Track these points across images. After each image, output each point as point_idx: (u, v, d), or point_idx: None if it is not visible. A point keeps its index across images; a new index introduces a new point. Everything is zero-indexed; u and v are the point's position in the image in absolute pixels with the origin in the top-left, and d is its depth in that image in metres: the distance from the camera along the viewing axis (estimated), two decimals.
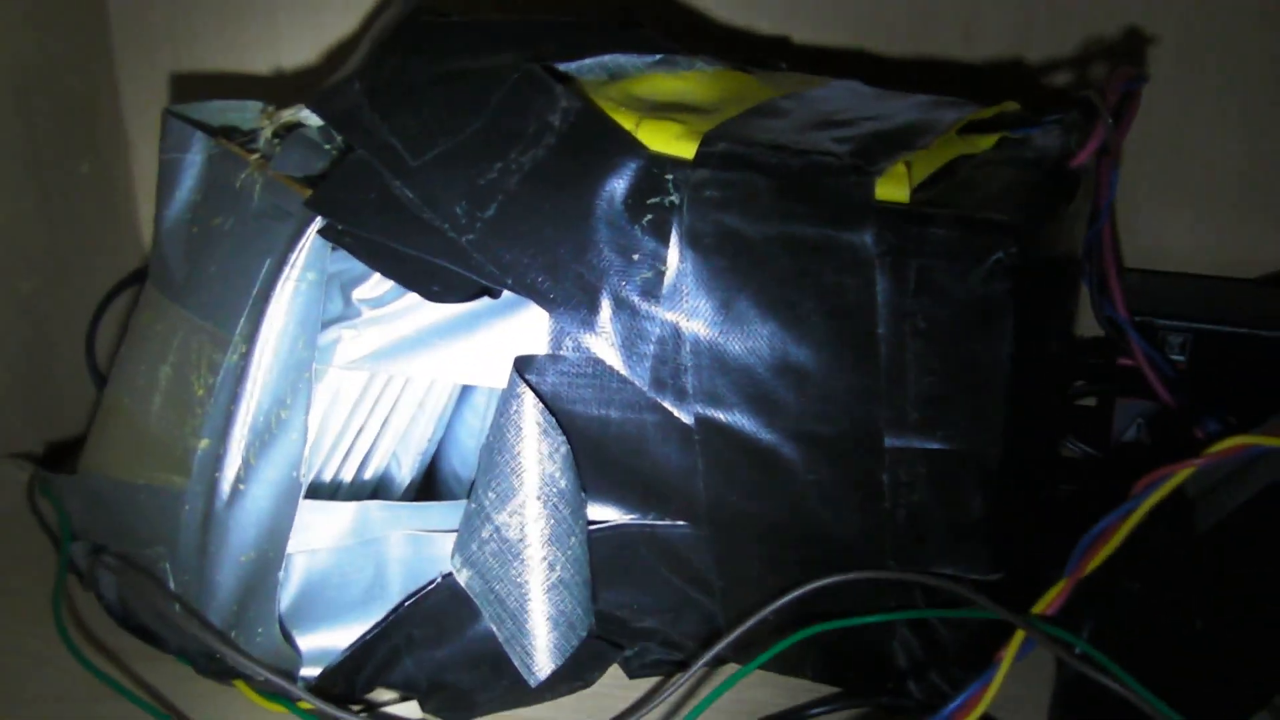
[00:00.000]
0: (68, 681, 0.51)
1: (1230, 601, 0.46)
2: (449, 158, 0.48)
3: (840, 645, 0.49)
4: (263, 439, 0.48)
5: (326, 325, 0.49)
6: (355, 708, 0.48)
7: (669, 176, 0.46)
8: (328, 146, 0.52)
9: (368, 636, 0.49)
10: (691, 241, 0.46)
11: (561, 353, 0.47)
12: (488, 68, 0.51)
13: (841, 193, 0.45)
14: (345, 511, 0.49)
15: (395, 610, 0.49)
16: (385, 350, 0.48)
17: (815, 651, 0.50)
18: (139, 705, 0.49)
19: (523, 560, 0.47)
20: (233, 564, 0.48)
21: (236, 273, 0.50)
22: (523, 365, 0.47)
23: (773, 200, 0.45)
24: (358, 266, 0.48)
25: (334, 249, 0.48)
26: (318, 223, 0.48)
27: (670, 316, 0.46)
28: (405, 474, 0.53)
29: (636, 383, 0.47)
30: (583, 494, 0.48)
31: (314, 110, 0.52)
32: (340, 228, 0.48)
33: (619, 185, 0.47)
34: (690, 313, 0.46)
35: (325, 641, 0.49)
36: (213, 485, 0.48)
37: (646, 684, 0.51)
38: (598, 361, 0.47)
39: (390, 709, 0.49)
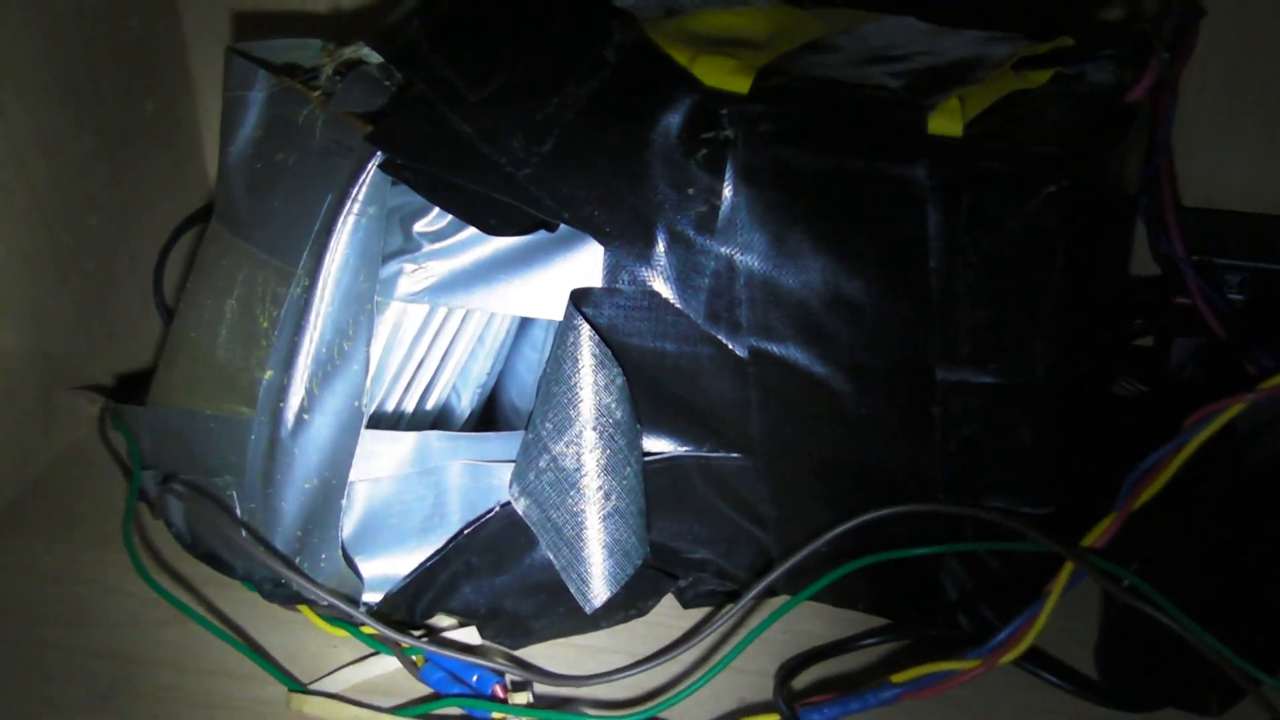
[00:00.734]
0: (138, 606, 0.52)
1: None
2: (506, 93, 0.49)
3: (890, 578, 0.49)
4: (326, 369, 0.49)
5: (387, 259, 0.49)
6: (416, 632, 0.50)
7: (724, 111, 0.47)
8: (388, 83, 0.52)
9: (428, 564, 0.50)
10: (746, 176, 0.46)
11: (617, 286, 0.48)
12: (544, 3, 0.51)
13: (894, 127, 0.45)
14: (406, 441, 0.50)
15: (455, 538, 0.50)
16: (445, 283, 0.49)
17: (866, 584, 0.50)
18: (208, 628, 0.50)
19: (579, 489, 0.48)
20: (297, 491, 0.49)
21: (299, 207, 0.51)
22: (579, 298, 0.48)
23: (826, 134, 0.46)
24: (418, 200, 0.49)
25: (394, 183, 0.49)
26: (378, 158, 0.48)
27: (724, 250, 0.47)
28: (465, 405, 0.54)
29: (691, 316, 0.47)
30: (638, 425, 0.48)
31: (374, 47, 0.52)
32: (400, 162, 0.48)
33: (674, 120, 0.47)
34: (744, 246, 0.46)
35: (387, 568, 0.50)
36: (277, 414, 0.49)
37: (700, 614, 0.52)
38: (653, 295, 0.47)
39: (450, 634, 0.50)
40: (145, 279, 0.67)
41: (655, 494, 0.49)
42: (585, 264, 0.48)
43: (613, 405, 0.48)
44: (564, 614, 0.50)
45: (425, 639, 0.49)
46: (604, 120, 0.48)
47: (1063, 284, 0.45)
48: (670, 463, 0.49)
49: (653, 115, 0.47)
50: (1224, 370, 0.60)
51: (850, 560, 0.48)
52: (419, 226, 0.49)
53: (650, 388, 0.48)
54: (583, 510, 0.48)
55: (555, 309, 0.48)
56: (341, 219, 0.49)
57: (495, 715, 0.46)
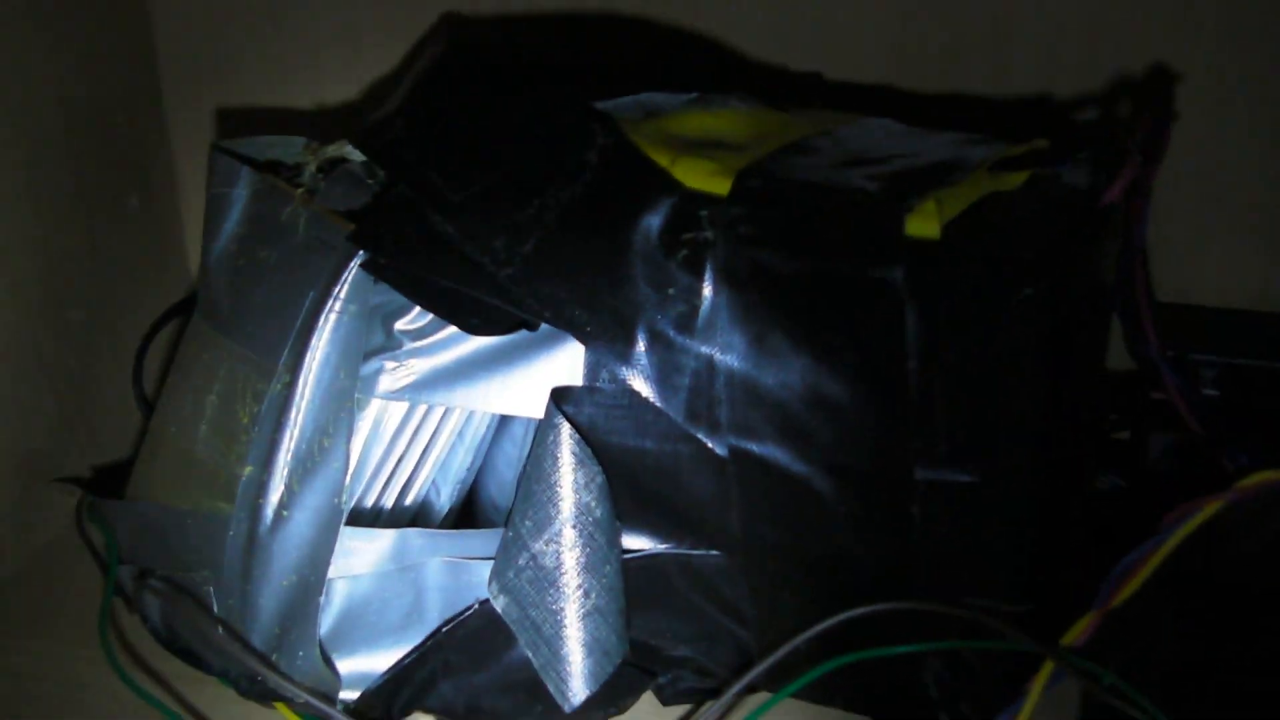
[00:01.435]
0: (113, 704, 0.52)
1: (1259, 632, 0.47)
2: (489, 193, 0.49)
3: (871, 675, 0.49)
4: (305, 466, 0.49)
5: (368, 356, 0.50)
6: None
7: (703, 213, 0.47)
8: (370, 181, 0.53)
9: (406, 661, 0.50)
10: (725, 277, 0.47)
11: (598, 385, 0.48)
12: (526, 105, 0.52)
13: (873, 229, 0.46)
14: (385, 538, 0.50)
15: (433, 635, 0.50)
16: (425, 381, 0.49)
17: (847, 681, 0.50)
18: None
19: (558, 588, 0.48)
20: (275, 588, 0.49)
21: (281, 304, 0.51)
22: (560, 396, 0.48)
23: (805, 236, 0.46)
24: (399, 299, 0.49)
25: (376, 282, 0.49)
26: (360, 256, 0.49)
27: (704, 350, 0.47)
28: (444, 502, 0.54)
29: (671, 414, 0.47)
30: (618, 523, 0.48)
31: (357, 146, 0.53)
32: (382, 261, 0.49)
33: (654, 221, 0.48)
34: (724, 347, 0.47)
35: (364, 665, 0.50)
36: (256, 511, 0.49)
37: (680, 710, 0.52)
38: (633, 393, 0.48)
39: None
40: (125, 372, 0.67)
41: (635, 591, 0.49)
42: (566, 362, 0.48)
43: (592, 503, 0.48)
44: (542, 712, 0.49)
45: None
46: (585, 221, 0.48)
47: (1040, 384, 0.45)
48: (650, 560, 0.49)
49: (633, 216, 0.48)
50: (1201, 465, 0.60)
51: (831, 658, 0.48)
52: (400, 325, 0.50)
53: (630, 485, 0.48)
54: (562, 609, 0.48)
55: (536, 407, 0.48)
56: (323, 316, 0.49)
57: None
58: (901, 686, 0.49)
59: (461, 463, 0.53)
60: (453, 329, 0.49)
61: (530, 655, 0.48)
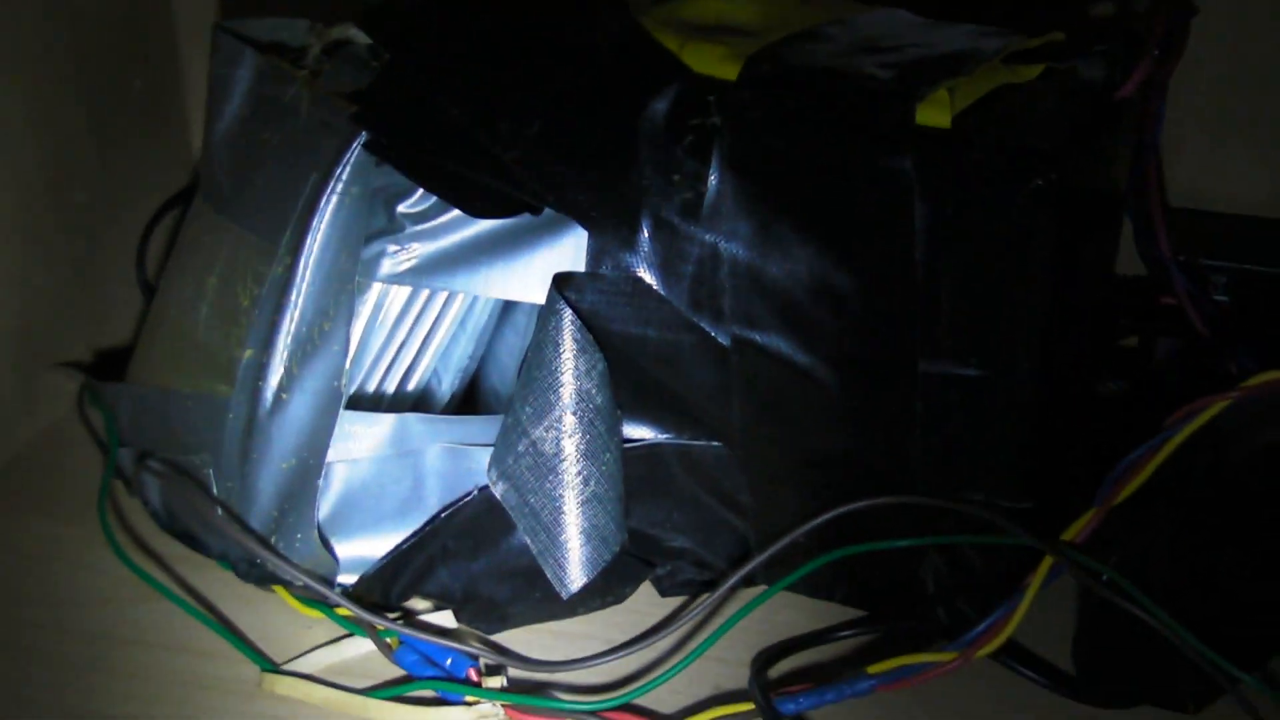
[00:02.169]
0: (112, 584, 0.52)
1: (1259, 535, 0.46)
2: (496, 74, 0.49)
3: (869, 570, 0.49)
4: (305, 349, 0.49)
5: (370, 239, 0.49)
6: (391, 615, 0.49)
7: (711, 98, 0.47)
8: (375, 64, 0.52)
9: (404, 546, 0.50)
10: (732, 163, 0.46)
11: (601, 271, 0.47)
12: None
13: (883, 117, 0.45)
14: (385, 422, 0.50)
15: (432, 521, 0.50)
16: (427, 265, 0.49)
17: (844, 575, 0.50)
18: (181, 606, 0.50)
19: (558, 474, 0.47)
20: (274, 471, 0.49)
21: (283, 186, 0.50)
22: (562, 283, 0.47)
23: (814, 123, 0.46)
24: (402, 181, 0.49)
25: (379, 164, 0.49)
26: (363, 137, 0.48)
27: (709, 238, 0.46)
28: (446, 389, 0.53)
29: (674, 302, 0.47)
30: (618, 411, 0.48)
31: (362, 28, 0.52)
32: (385, 142, 0.48)
33: (661, 106, 0.47)
34: (729, 234, 0.46)
35: (363, 550, 0.50)
36: (256, 393, 0.49)
37: (677, 602, 0.52)
38: (636, 280, 0.47)
39: (425, 617, 0.49)
40: (128, 256, 0.66)
41: (634, 480, 0.49)
42: (569, 248, 0.48)
43: (593, 390, 0.47)
44: (540, 599, 0.49)
45: (400, 622, 0.48)
46: (591, 105, 0.48)
47: (1047, 279, 0.45)
48: (650, 449, 0.49)
49: (640, 101, 0.47)
50: (1207, 370, 0.60)
51: (829, 551, 0.48)
52: (403, 208, 0.49)
53: (631, 374, 0.48)
54: (561, 495, 0.48)
55: (538, 293, 0.48)
56: (325, 198, 0.49)
57: (468, 699, 0.46)
58: (899, 582, 0.49)
59: (464, 350, 0.53)
60: (456, 213, 0.48)
61: (529, 542, 0.48)
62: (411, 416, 0.50)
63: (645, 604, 0.52)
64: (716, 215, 0.46)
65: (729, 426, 0.48)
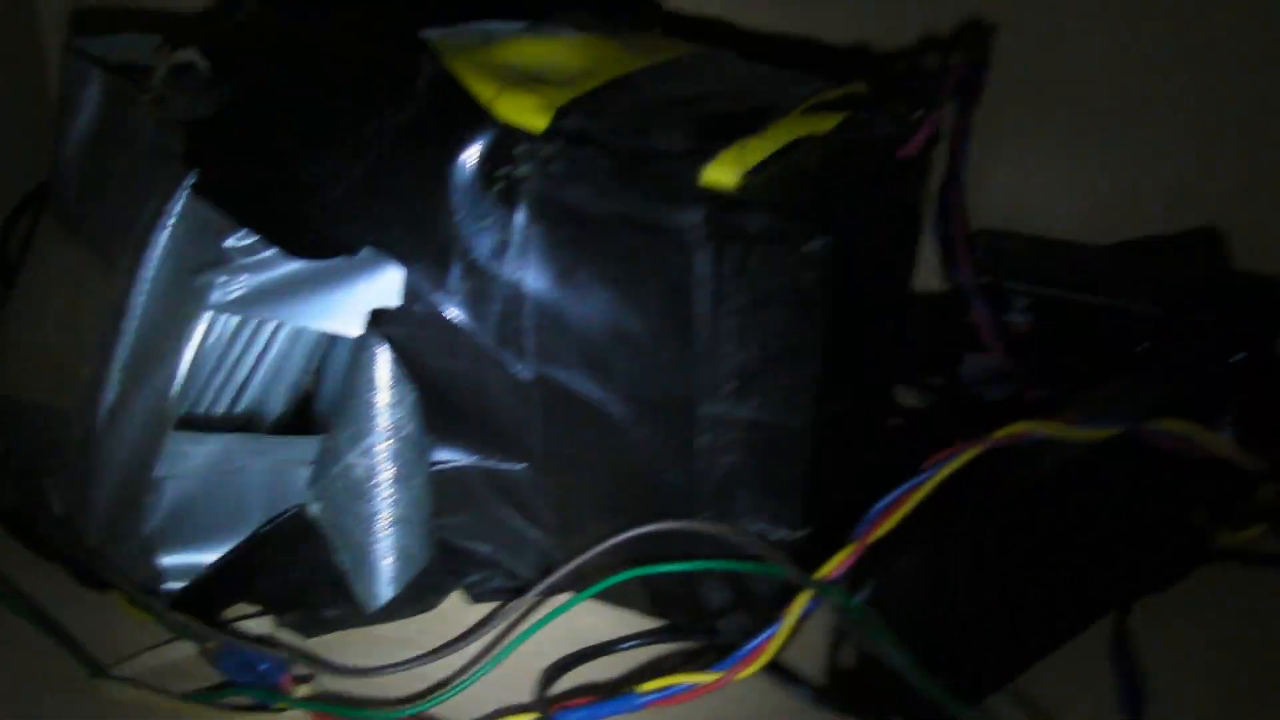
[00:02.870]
0: None
1: (1003, 567, 0.51)
2: (325, 114, 0.52)
3: (660, 584, 0.53)
4: (138, 370, 0.51)
5: (202, 268, 0.52)
6: (216, 621, 0.53)
7: (518, 149, 0.49)
8: (215, 91, 0.54)
9: (229, 557, 0.53)
10: (536, 212, 0.49)
11: (414, 307, 0.50)
12: (368, 28, 0.54)
13: (670, 177, 0.48)
14: (213, 442, 0.53)
15: (253, 535, 0.53)
16: (254, 296, 0.51)
17: (641, 588, 0.54)
18: (11, 607, 0.54)
19: (369, 498, 0.51)
20: (108, 485, 0.52)
21: (123, 210, 0.53)
22: (378, 317, 0.50)
23: (610, 179, 0.48)
24: None
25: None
26: (192, 176, 0.51)
27: (515, 280, 0.50)
28: (274, 409, 0.57)
29: (481, 339, 0.50)
30: (428, 438, 0.52)
31: (202, 53, 0.54)
32: (214, 182, 0.51)
33: (472, 154, 0.50)
34: (533, 279, 0.49)
35: (192, 560, 0.53)
36: (93, 410, 0.52)
37: (489, 607, 0.55)
38: (447, 317, 0.50)
39: (247, 624, 0.53)
40: None
41: (444, 499, 0.53)
42: (386, 285, 0.51)
43: (404, 419, 0.51)
44: (354, 608, 0.53)
45: (221, 628, 0.52)
46: (411, 150, 0.50)
47: (821, 333, 0.48)
48: (458, 470, 0.52)
49: (453, 149, 0.50)
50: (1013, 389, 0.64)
51: (626, 567, 0.52)
52: (231, 241, 0.52)
53: (441, 402, 0.51)
54: (371, 517, 0.51)
55: (357, 327, 0.51)
56: (160, 226, 0.52)
57: (279, 705, 0.50)
58: (685, 596, 0.53)
59: (295, 371, 0.56)
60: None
61: (341, 557, 0.52)
62: (238, 436, 0.53)
63: (458, 610, 0.55)
64: (522, 260, 0.49)
65: (532, 452, 0.52)
